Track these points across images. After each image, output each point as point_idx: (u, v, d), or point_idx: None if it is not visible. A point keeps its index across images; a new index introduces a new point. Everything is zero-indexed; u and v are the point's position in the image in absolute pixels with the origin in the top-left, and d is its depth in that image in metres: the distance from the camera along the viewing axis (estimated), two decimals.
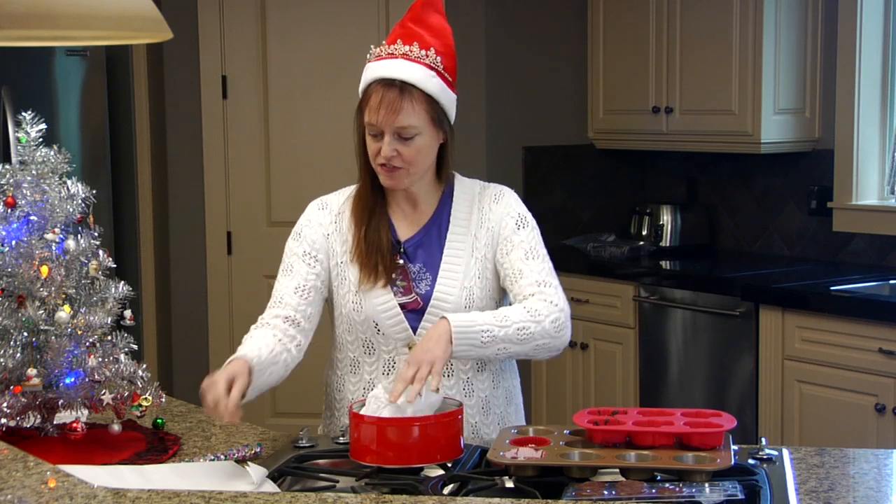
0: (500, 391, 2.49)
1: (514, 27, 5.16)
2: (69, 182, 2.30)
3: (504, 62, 5.13)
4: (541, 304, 2.33)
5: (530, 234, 2.44)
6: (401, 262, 2.41)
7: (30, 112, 2.30)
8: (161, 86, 5.20)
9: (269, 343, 2.32)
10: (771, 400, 4.13)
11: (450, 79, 2.37)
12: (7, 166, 2.28)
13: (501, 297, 2.47)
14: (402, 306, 2.39)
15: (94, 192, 2.34)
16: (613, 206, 5.40)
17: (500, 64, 5.13)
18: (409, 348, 2.37)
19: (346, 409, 2.44)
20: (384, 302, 2.39)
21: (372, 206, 2.43)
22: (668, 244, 4.99)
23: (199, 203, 5.22)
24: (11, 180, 2.26)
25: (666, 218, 5.01)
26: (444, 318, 2.24)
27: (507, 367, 2.53)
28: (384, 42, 2.39)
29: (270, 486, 2.03)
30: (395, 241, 2.43)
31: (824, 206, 4.61)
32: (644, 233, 5.04)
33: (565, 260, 5.04)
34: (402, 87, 2.32)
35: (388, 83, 2.32)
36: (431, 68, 2.34)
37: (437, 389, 2.13)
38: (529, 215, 2.48)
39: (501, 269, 2.42)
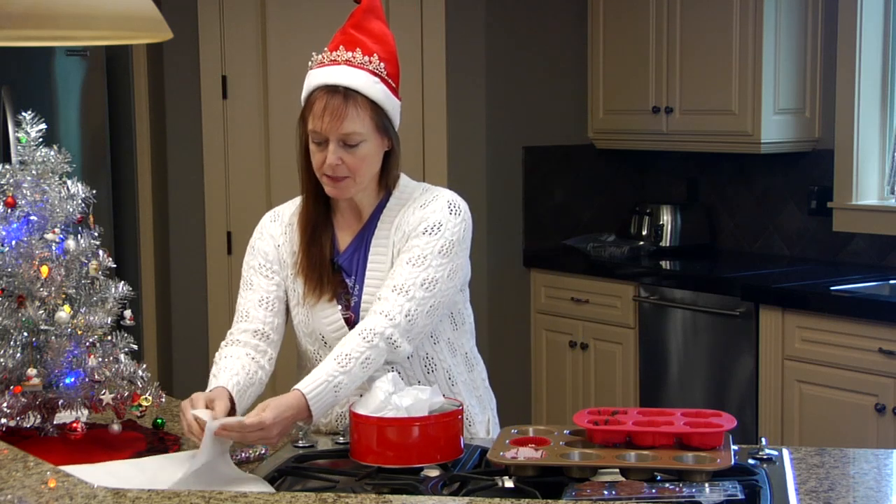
0: (459, 387, 2.45)
1: (514, 27, 5.16)
2: (69, 182, 2.30)
3: (504, 62, 5.13)
4: (374, 320, 2.24)
5: (431, 242, 2.30)
6: (342, 276, 2.38)
7: (30, 112, 2.30)
8: (161, 86, 5.20)
9: (244, 365, 2.30)
10: (771, 400, 4.13)
11: (393, 85, 2.34)
12: (7, 166, 2.28)
13: None
14: (346, 320, 2.36)
15: (94, 192, 2.34)
16: (613, 206, 5.40)
17: (500, 64, 5.13)
18: None
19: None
20: (329, 316, 2.36)
21: (315, 218, 2.40)
22: (668, 244, 4.99)
23: (199, 203, 5.22)
24: (11, 180, 2.26)
25: (666, 218, 5.01)
26: (295, 389, 2.15)
27: (473, 375, 2.51)
28: (326, 49, 2.36)
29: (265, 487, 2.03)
30: (335, 252, 2.39)
31: (824, 206, 4.61)
32: (644, 233, 5.04)
33: (565, 260, 5.04)
34: (347, 94, 2.28)
35: (331, 90, 2.29)
36: (375, 74, 2.30)
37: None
38: (451, 224, 2.33)
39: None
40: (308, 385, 2.16)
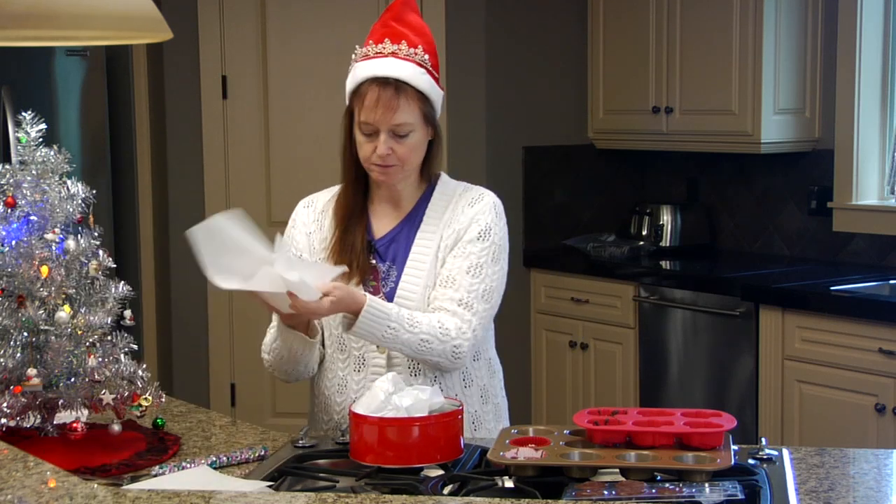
0: (490, 406, 2.50)
1: (514, 27, 5.16)
2: (69, 182, 2.30)
3: (504, 62, 5.13)
4: (453, 324, 2.32)
5: (487, 249, 2.40)
6: (373, 262, 2.42)
7: (30, 112, 2.30)
8: (161, 86, 5.20)
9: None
10: (771, 400, 4.13)
11: (436, 75, 2.40)
12: (7, 166, 2.28)
13: None
14: None
15: (94, 192, 2.34)
16: (613, 206, 5.40)
17: (500, 64, 5.13)
18: (378, 346, 2.38)
19: (323, 406, 2.49)
20: None
21: (352, 206, 2.45)
22: (668, 244, 4.99)
23: (199, 203, 5.22)
24: (11, 180, 2.26)
25: (666, 218, 5.01)
26: (364, 295, 2.26)
27: (494, 382, 2.53)
28: (370, 41, 2.40)
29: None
30: (369, 239, 2.44)
31: (824, 206, 4.61)
32: (644, 233, 5.04)
33: (565, 260, 5.04)
34: (398, 85, 2.33)
35: (382, 82, 2.34)
36: (421, 65, 2.36)
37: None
38: (498, 228, 2.43)
39: (443, 266, 2.40)
40: (375, 303, 2.26)
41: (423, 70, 2.36)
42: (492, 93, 5.12)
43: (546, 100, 5.26)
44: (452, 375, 2.43)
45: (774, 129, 4.54)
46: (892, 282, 4.22)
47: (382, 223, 2.46)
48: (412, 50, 2.36)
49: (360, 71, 2.38)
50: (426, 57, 2.37)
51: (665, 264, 4.85)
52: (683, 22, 4.75)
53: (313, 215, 2.51)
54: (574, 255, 5.04)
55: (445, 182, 2.49)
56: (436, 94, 2.39)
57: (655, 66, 4.87)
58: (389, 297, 2.40)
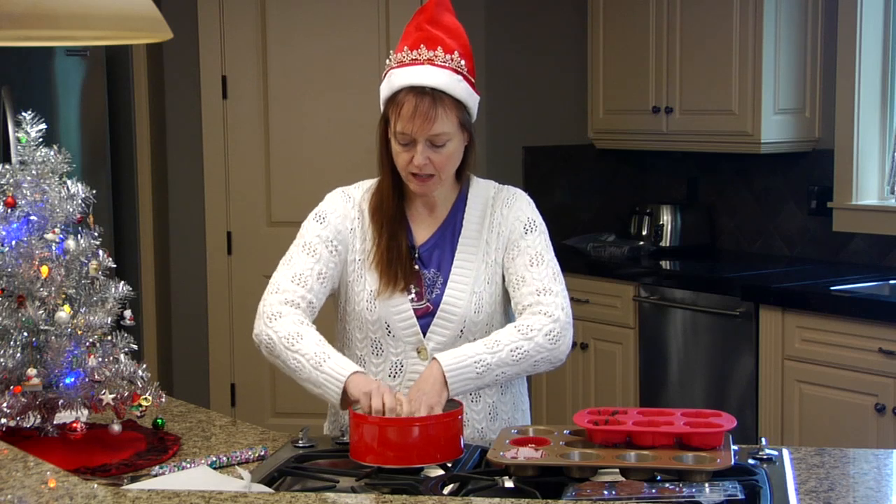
0: (508, 397, 2.48)
1: (514, 27, 5.16)
2: (69, 182, 2.30)
3: (504, 62, 5.13)
4: (533, 319, 2.31)
5: (537, 239, 2.42)
6: (416, 267, 2.40)
7: (30, 112, 2.30)
8: (161, 86, 5.20)
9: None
10: (771, 400, 4.13)
11: (472, 80, 2.36)
12: (7, 166, 2.28)
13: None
14: (415, 311, 2.38)
15: (94, 192, 2.34)
16: (613, 206, 5.40)
17: (500, 64, 5.13)
18: (419, 352, 2.37)
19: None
20: (399, 305, 2.37)
21: (393, 212, 2.40)
22: (668, 244, 4.99)
23: (199, 203, 5.22)
24: (11, 180, 2.26)
25: (666, 218, 5.01)
26: (434, 359, 2.22)
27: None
28: (404, 46, 2.34)
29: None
30: (410, 245, 2.41)
31: (824, 206, 4.61)
32: (644, 233, 5.04)
33: (565, 260, 5.02)
34: (435, 95, 2.28)
35: (419, 91, 2.28)
36: (458, 72, 2.31)
37: None
38: (539, 218, 2.46)
39: (507, 273, 2.41)
40: (447, 357, 2.22)
41: (459, 77, 2.31)
42: (492, 93, 5.12)
43: (546, 100, 5.26)
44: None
45: (774, 129, 4.54)
46: (892, 282, 4.22)
47: (422, 229, 2.44)
48: (448, 56, 2.30)
49: (396, 79, 2.31)
50: (462, 62, 2.32)
51: (665, 264, 4.85)
52: (683, 22, 4.75)
53: (354, 211, 2.43)
54: (574, 255, 5.04)
55: (477, 183, 2.47)
56: (472, 100, 2.35)
57: (655, 66, 4.87)
58: (436, 304, 2.38)
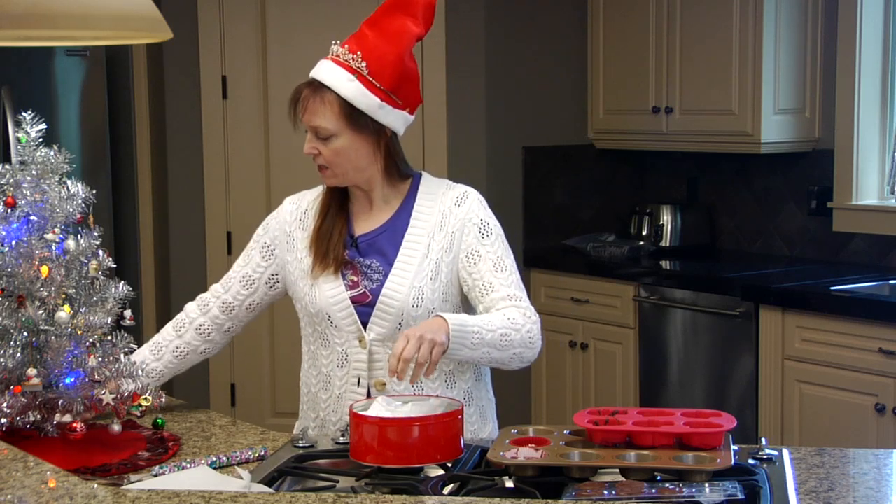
0: (473, 409, 2.49)
1: (514, 27, 5.16)
2: (69, 182, 2.30)
3: (504, 62, 5.13)
4: (517, 314, 2.35)
5: (495, 243, 2.44)
6: (347, 255, 2.44)
7: (30, 112, 2.30)
8: (161, 86, 5.20)
9: (184, 349, 2.56)
10: (771, 400, 4.13)
11: (376, 83, 2.36)
12: (7, 166, 2.27)
13: (458, 301, 2.47)
14: (352, 300, 2.42)
15: (94, 192, 2.34)
16: (613, 206, 5.40)
17: (500, 64, 5.13)
18: (360, 342, 2.41)
19: (311, 403, 2.52)
20: (333, 290, 2.43)
21: (330, 201, 2.50)
22: (668, 244, 4.99)
23: (199, 203, 5.22)
24: (11, 180, 2.26)
25: (666, 218, 5.01)
26: (438, 315, 2.27)
27: (480, 385, 2.53)
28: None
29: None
30: (349, 234, 2.47)
31: (824, 206, 4.61)
32: (644, 233, 5.04)
33: (565, 260, 5.04)
34: (316, 88, 2.38)
35: (308, 83, 2.41)
36: (352, 71, 2.36)
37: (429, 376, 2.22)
38: (493, 220, 2.47)
39: (469, 279, 2.42)
40: (451, 316, 2.26)
41: (352, 76, 2.35)
42: (492, 93, 5.12)
43: (546, 100, 5.26)
44: (435, 379, 2.43)
45: (774, 129, 4.54)
46: (892, 282, 4.22)
47: (363, 221, 2.49)
48: (350, 56, 2.37)
49: None
50: (363, 64, 2.36)
51: (665, 264, 4.85)
52: (683, 22, 4.75)
53: (297, 212, 2.56)
54: (574, 255, 5.04)
55: (428, 181, 2.51)
56: (366, 101, 2.36)
57: (655, 66, 4.87)
58: (375, 294, 2.42)
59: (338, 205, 2.50)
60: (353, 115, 2.37)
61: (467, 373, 2.48)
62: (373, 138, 2.41)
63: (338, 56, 2.38)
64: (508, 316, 2.34)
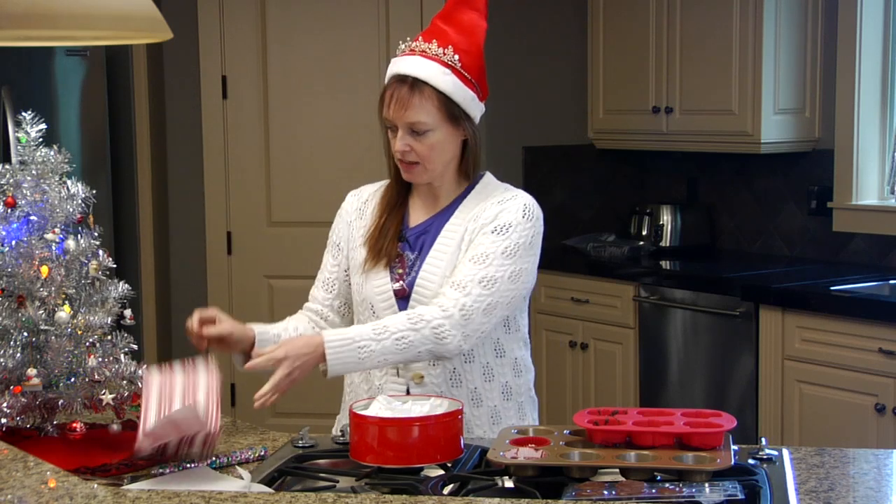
0: (495, 384, 2.48)
1: (514, 27, 5.16)
2: (69, 182, 2.30)
3: (504, 62, 5.13)
4: (427, 310, 2.32)
5: (497, 241, 2.37)
6: (400, 250, 2.45)
7: (30, 112, 2.30)
8: (161, 86, 5.20)
9: (297, 324, 2.54)
10: (771, 400, 4.13)
11: (468, 76, 2.39)
12: (7, 166, 2.28)
13: None
14: (395, 293, 2.44)
15: (94, 192, 2.34)
16: (613, 206, 5.40)
17: (500, 64, 5.12)
18: None
19: (354, 395, 2.51)
20: (380, 284, 2.44)
21: (394, 198, 2.50)
22: (668, 244, 4.99)
23: (199, 203, 5.22)
24: (11, 180, 2.26)
25: (666, 218, 5.01)
26: (317, 334, 2.30)
27: (503, 362, 2.51)
28: (416, 38, 2.43)
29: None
30: (402, 228, 2.48)
31: (824, 206, 4.61)
32: (644, 233, 5.04)
33: (565, 260, 5.04)
34: (413, 84, 2.36)
35: (401, 79, 2.38)
36: (447, 66, 2.37)
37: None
38: (521, 228, 2.38)
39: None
40: (332, 335, 2.28)
41: (447, 70, 2.36)
42: (492, 93, 5.08)
43: (546, 100, 5.26)
44: (473, 369, 2.43)
45: (774, 129, 4.54)
46: (892, 282, 4.22)
47: (418, 215, 2.50)
48: (441, 49, 2.38)
49: (390, 68, 2.42)
50: (456, 57, 2.38)
51: (665, 264, 4.85)
52: (683, 22, 4.75)
53: (357, 204, 2.56)
54: (574, 255, 5.04)
55: (487, 182, 2.50)
56: (462, 95, 2.38)
57: (655, 66, 4.87)
58: (410, 286, 2.43)
59: (400, 201, 2.50)
60: (450, 109, 2.38)
61: (506, 367, 2.47)
62: (459, 130, 2.41)
63: (425, 51, 2.38)
64: (412, 315, 2.31)
